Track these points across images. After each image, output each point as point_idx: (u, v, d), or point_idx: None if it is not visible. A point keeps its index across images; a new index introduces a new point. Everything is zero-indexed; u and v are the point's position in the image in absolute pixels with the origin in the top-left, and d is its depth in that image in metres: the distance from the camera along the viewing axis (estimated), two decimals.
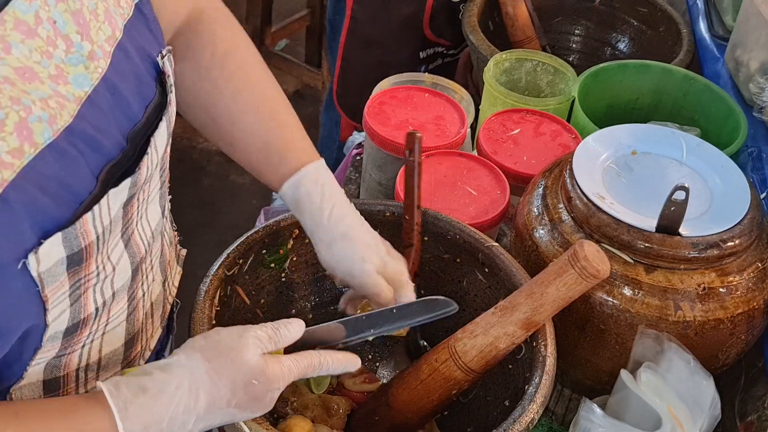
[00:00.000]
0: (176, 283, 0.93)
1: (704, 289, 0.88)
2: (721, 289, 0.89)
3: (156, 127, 0.72)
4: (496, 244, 0.93)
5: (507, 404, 0.87)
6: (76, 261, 0.63)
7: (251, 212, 2.57)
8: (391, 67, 1.42)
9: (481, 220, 1.06)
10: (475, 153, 1.21)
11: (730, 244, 0.88)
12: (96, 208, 0.64)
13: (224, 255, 0.88)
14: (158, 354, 0.90)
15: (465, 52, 1.64)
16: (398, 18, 1.64)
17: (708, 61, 1.39)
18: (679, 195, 0.86)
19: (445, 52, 1.71)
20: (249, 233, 0.92)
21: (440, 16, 1.64)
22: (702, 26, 1.46)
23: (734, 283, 0.89)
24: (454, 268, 0.97)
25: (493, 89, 1.30)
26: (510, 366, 0.89)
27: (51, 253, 0.60)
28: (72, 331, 0.68)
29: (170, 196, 0.87)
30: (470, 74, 1.63)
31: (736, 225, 0.90)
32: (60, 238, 0.61)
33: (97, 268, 0.66)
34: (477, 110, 1.36)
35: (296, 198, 0.86)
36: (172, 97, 0.75)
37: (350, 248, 0.86)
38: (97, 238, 0.65)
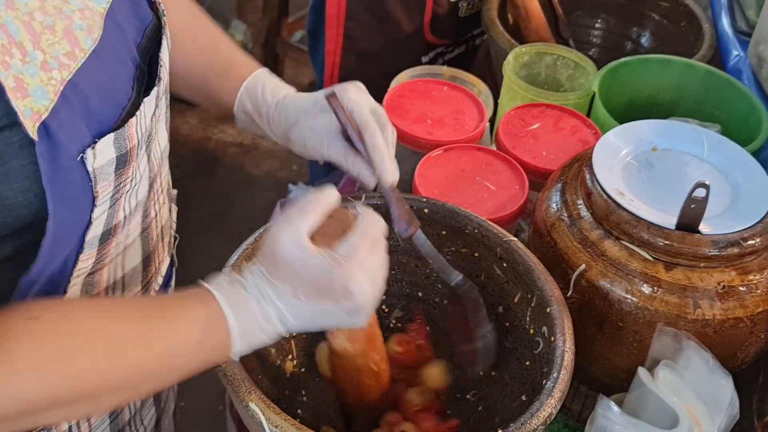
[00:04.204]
0: (175, 218, 0.99)
1: (724, 287, 0.88)
2: (741, 288, 0.88)
3: (159, 45, 0.79)
4: (515, 238, 0.93)
5: (524, 399, 0.87)
6: (122, 163, 0.70)
7: (266, 204, 2.58)
8: (394, 76, 1.39)
9: (500, 215, 1.06)
10: (493, 147, 1.20)
11: (750, 242, 0.87)
12: (138, 113, 0.71)
13: (243, 246, 0.88)
14: (167, 283, 0.94)
15: (485, 45, 1.64)
16: (398, 31, 1.59)
17: (730, 56, 1.38)
18: (700, 192, 0.85)
19: (445, 50, 1.69)
20: (267, 225, 0.92)
21: (441, 19, 1.61)
22: (724, 21, 1.45)
23: (754, 281, 0.88)
24: (472, 263, 0.96)
25: (512, 83, 1.30)
26: (527, 362, 0.88)
27: (104, 151, 0.67)
28: (105, 238, 0.73)
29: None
30: (489, 67, 1.62)
31: (757, 223, 0.89)
32: (112, 139, 0.68)
33: (133, 174, 0.73)
34: (495, 104, 1.35)
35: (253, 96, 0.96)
36: (165, 21, 0.82)
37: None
38: (138, 143, 0.71)
